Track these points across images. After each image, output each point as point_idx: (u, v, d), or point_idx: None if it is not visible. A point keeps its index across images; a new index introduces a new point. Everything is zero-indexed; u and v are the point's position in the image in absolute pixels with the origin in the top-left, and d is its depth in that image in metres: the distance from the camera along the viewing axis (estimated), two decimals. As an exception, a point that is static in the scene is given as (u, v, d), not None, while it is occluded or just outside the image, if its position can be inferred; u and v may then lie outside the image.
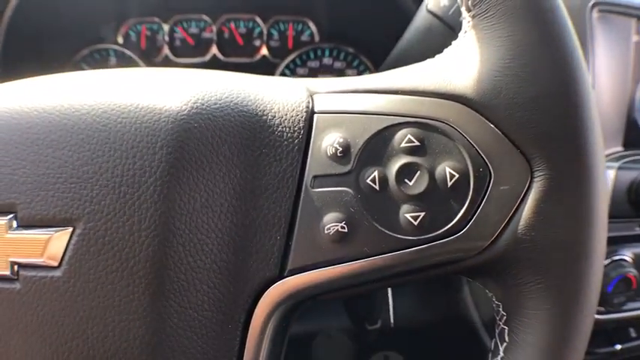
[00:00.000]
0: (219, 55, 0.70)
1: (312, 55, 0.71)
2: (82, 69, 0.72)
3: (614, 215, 0.59)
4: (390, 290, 0.56)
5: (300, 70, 0.71)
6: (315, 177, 0.26)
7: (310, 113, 0.27)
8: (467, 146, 0.25)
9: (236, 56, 0.70)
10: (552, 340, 0.24)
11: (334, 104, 0.27)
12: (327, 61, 0.71)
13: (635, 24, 0.64)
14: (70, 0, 0.66)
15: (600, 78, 0.60)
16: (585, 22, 0.59)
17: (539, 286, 0.25)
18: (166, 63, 0.71)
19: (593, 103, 0.25)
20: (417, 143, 0.26)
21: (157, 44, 0.71)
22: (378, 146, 0.26)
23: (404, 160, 0.26)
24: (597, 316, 0.60)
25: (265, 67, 0.70)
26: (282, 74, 0.71)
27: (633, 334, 0.65)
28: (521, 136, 0.25)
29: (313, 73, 0.71)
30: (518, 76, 0.25)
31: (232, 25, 0.70)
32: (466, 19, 0.27)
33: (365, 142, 0.26)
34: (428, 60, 0.29)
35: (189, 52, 0.71)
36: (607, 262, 0.59)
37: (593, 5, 0.59)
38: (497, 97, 0.25)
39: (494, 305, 0.28)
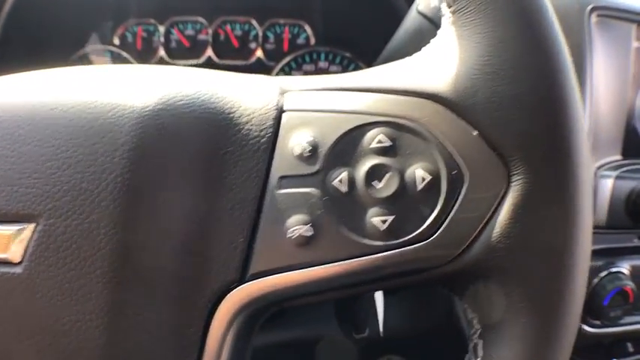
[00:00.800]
0: (214, 58, 0.70)
1: (307, 59, 0.70)
2: (79, 69, 0.72)
3: (611, 226, 0.57)
4: (379, 298, 0.55)
5: (295, 74, 0.70)
6: (281, 177, 0.25)
7: (279, 111, 0.26)
8: (440, 147, 0.24)
9: (231, 59, 0.70)
10: (529, 357, 0.23)
11: (305, 102, 0.26)
12: (322, 64, 0.71)
13: (635, 29, 0.63)
14: (66, 0, 0.66)
15: (598, 84, 0.59)
16: (583, 26, 0.57)
17: (516, 299, 0.23)
18: (161, 64, 0.71)
19: (578, 104, 0.24)
20: (388, 144, 0.25)
21: (153, 45, 0.71)
22: (347, 146, 0.25)
23: (374, 160, 0.24)
24: (593, 330, 0.58)
25: (260, 70, 0.70)
26: (277, 77, 0.70)
27: (631, 348, 0.64)
28: (498, 137, 0.24)
29: (308, 77, 0.70)
30: (497, 74, 0.24)
31: (228, 27, 0.70)
32: (446, 15, 0.26)
33: (334, 142, 0.25)
34: (406, 58, 0.28)
35: (184, 54, 0.71)
36: (604, 274, 0.58)
37: (592, 9, 0.58)
38: (475, 95, 0.24)
39: (468, 317, 0.27)
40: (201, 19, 0.70)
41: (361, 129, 0.25)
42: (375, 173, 0.24)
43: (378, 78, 0.27)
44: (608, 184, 0.57)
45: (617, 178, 0.58)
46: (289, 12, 0.69)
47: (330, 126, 0.25)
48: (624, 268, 0.59)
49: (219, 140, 0.25)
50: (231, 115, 0.26)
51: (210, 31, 0.70)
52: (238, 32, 0.70)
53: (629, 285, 0.57)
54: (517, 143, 0.23)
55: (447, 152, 0.24)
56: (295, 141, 0.25)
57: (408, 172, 0.24)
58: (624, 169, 0.59)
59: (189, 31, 0.70)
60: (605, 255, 0.58)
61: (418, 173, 0.24)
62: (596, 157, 0.59)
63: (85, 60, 0.72)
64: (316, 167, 0.25)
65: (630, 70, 0.62)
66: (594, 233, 0.54)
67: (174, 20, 0.70)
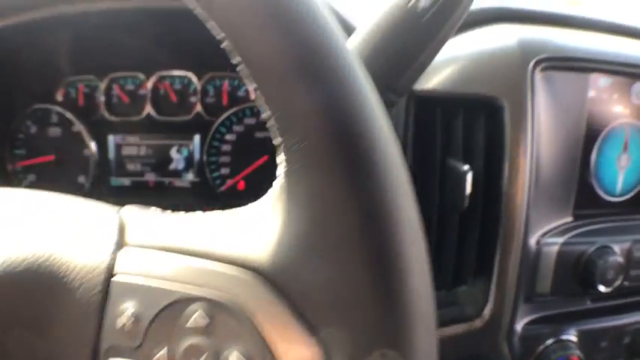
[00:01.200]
0: (154, 114, 0.69)
1: (248, 112, 0.68)
2: (27, 126, 0.72)
3: (556, 293, 0.54)
4: None
5: (236, 128, 0.68)
6: (108, 349, 0.24)
7: (109, 275, 0.25)
8: (255, 328, 0.23)
9: (170, 115, 0.68)
10: None
11: (135, 264, 0.25)
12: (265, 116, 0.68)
13: (591, 78, 0.57)
14: (12, 58, 0.65)
15: (543, 141, 0.55)
16: (526, 82, 0.53)
17: None
18: (103, 121, 0.70)
19: (421, 282, 0.22)
20: (205, 322, 0.23)
21: (95, 102, 0.70)
22: (166, 322, 0.24)
23: (190, 340, 0.23)
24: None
25: (201, 126, 0.68)
26: (218, 132, 0.68)
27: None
28: (316, 320, 0.22)
29: (250, 131, 0.68)
30: (316, 249, 0.22)
31: (167, 82, 0.68)
32: (282, 164, 0.23)
33: (153, 317, 0.24)
34: (249, 206, 0.26)
35: (125, 111, 0.69)
36: (550, 341, 0.55)
37: (537, 62, 0.53)
38: (292, 271, 0.22)
39: None
40: (140, 75, 0.68)
41: (180, 304, 0.24)
42: (191, 354, 0.23)
43: (213, 235, 0.25)
44: (552, 252, 0.54)
45: (564, 244, 0.54)
46: (228, 66, 0.66)
47: (151, 298, 0.24)
48: (572, 335, 0.56)
49: (53, 308, 0.25)
50: (64, 279, 0.25)
51: (149, 86, 0.68)
52: (177, 86, 0.68)
53: (576, 354, 0.54)
54: (334, 328, 0.22)
55: (262, 333, 0.23)
56: (121, 310, 0.24)
57: (224, 356, 0.23)
58: (574, 232, 0.55)
59: (130, 87, 0.69)
60: (551, 321, 0.55)
61: (232, 357, 0.23)
62: (541, 222, 0.55)
63: (33, 117, 0.71)
64: (138, 342, 0.24)
65: (584, 122, 0.57)
66: (539, 301, 0.50)
67: (113, 76, 0.69)
